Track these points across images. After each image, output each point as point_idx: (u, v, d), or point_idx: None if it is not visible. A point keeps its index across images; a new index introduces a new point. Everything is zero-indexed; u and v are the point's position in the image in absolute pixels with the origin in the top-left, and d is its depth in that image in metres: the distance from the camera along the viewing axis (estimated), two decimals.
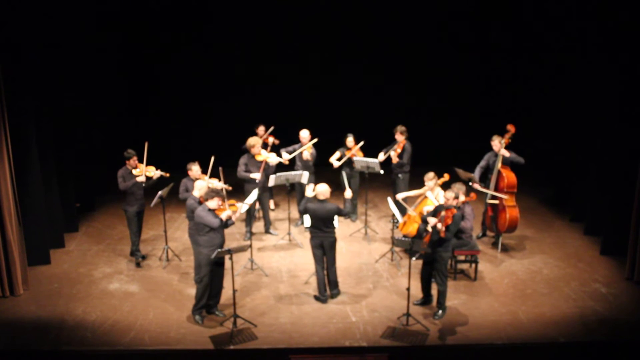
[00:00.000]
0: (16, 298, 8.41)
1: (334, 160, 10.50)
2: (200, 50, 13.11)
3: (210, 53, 13.13)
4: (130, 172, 9.16)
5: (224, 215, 7.62)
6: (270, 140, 11.05)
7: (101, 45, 11.74)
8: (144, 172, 9.19)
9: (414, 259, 8.97)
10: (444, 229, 7.63)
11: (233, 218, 7.87)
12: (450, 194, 7.79)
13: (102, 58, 11.83)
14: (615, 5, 9.13)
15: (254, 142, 9.87)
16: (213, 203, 7.61)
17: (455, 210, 7.73)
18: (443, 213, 7.70)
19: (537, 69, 12.43)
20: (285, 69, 13.17)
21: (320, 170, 10.73)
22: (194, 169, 8.98)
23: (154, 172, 9.28)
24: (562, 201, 11.41)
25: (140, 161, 9.26)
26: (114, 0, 12.12)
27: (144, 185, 9.18)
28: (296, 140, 10.59)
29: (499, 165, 9.47)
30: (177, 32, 12.96)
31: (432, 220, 7.73)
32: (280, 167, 10.28)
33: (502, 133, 9.56)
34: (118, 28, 12.44)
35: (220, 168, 8.54)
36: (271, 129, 10.99)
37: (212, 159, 9.13)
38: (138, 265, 9.33)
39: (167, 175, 9.36)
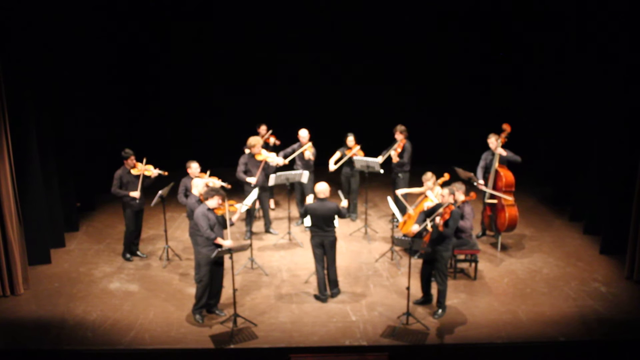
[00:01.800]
0: (17, 297, 8.40)
1: (331, 164, 10.44)
2: (201, 49, 13.12)
3: (211, 52, 13.14)
4: (129, 172, 9.16)
5: (219, 241, 7.57)
6: (272, 140, 11.04)
7: (101, 44, 11.74)
8: (142, 170, 9.17)
9: (414, 258, 8.97)
10: (442, 223, 7.62)
11: (233, 218, 7.86)
12: (445, 191, 7.80)
13: (103, 57, 11.83)
14: (614, 4, 9.13)
15: (254, 142, 9.87)
16: (213, 202, 7.60)
17: (452, 207, 7.73)
18: (440, 210, 7.70)
19: (537, 68, 12.43)
20: (285, 69, 13.18)
21: (321, 169, 10.73)
22: (193, 167, 8.99)
23: (153, 171, 9.27)
24: (561, 200, 11.39)
25: (139, 161, 9.26)
26: (115, 1, 12.13)
27: (137, 198, 9.16)
28: (297, 140, 10.57)
29: (496, 164, 9.46)
30: (177, 30, 12.97)
31: (414, 228, 7.74)
32: (280, 167, 10.28)
33: (499, 132, 9.56)
34: (118, 27, 12.44)
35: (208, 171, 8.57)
36: (270, 131, 10.99)
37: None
38: (128, 259, 9.37)
39: (166, 173, 9.35)
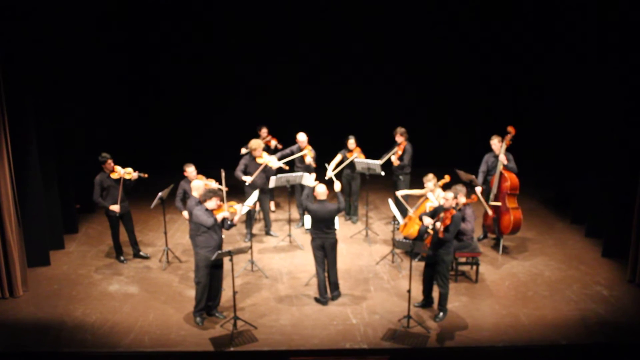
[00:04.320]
0: (16, 299, 8.41)
1: (330, 171, 10.40)
2: (201, 51, 13.15)
3: (211, 54, 13.17)
4: (109, 176, 9.15)
5: (219, 216, 7.62)
6: (273, 143, 11.05)
7: (102, 45, 11.77)
8: (122, 174, 9.17)
9: (415, 260, 8.98)
10: (442, 229, 7.63)
11: (234, 220, 7.89)
12: (449, 194, 7.79)
13: (103, 58, 11.86)
14: (616, 5, 9.15)
15: (255, 145, 9.89)
16: (212, 203, 7.62)
17: (454, 211, 7.73)
18: (442, 214, 7.71)
19: (539, 70, 12.44)
20: (285, 69, 13.21)
21: (321, 171, 10.73)
22: (189, 170, 9.02)
23: (133, 174, 9.27)
24: (563, 203, 11.40)
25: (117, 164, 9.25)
26: (114, 1, 12.16)
27: (117, 212, 9.15)
28: (295, 142, 10.59)
29: (500, 166, 9.46)
30: (178, 31, 13.00)
31: (426, 220, 7.75)
32: (280, 169, 10.29)
33: (501, 134, 9.56)
34: (119, 28, 12.48)
35: (222, 170, 8.52)
36: (269, 136, 11.03)
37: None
38: (122, 261, 9.41)
39: (146, 175, 9.37)
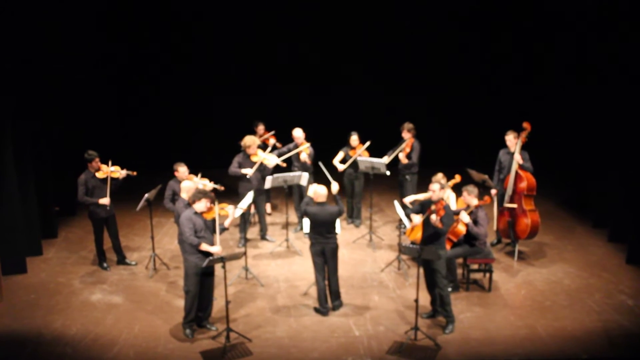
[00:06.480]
0: None
1: (338, 163, 10.43)
2: (195, 49, 13.30)
3: (207, 52, 13.30)
4: (94, 176, 9.12)
5: (204, 247, 7.51)
6: (272, 142, 11.02)
7: (85, 43, 11.84)
8: (108, 173, 9.14)
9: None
10: (438, 220, 7.60)
11: (226, 223, 7.86)
12: (435, 185, 7.77)
13: (87, 57, 11.95)
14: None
15: (250, 142, 9.86)
16: (200, 205, 7.58)
17: (444, 202, 7.72)
18: (433, 207, 7.69)
19: (554, 67, 12.48)
20: (285, 68, 13.29)
21: (321, 171, 10.71)
22: (181, 170, 9.00)
23: (121, 172, 9.25)
24: (583, 205, 11.39)
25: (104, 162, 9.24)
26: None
27: (107, 205, 9.13)
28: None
29: (516, 165, 9.43)
30: (171, 29, 13.11)
31: (415, 219, 7.83)
32: (277, 169, 10.28)
33: (518, 131, 9.55)
34: (104, 26, 12.59)
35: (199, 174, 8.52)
36: (272, 132, 11.02)
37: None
38: (106, 268, 9.39)
39: (134, 173, 9.37)
